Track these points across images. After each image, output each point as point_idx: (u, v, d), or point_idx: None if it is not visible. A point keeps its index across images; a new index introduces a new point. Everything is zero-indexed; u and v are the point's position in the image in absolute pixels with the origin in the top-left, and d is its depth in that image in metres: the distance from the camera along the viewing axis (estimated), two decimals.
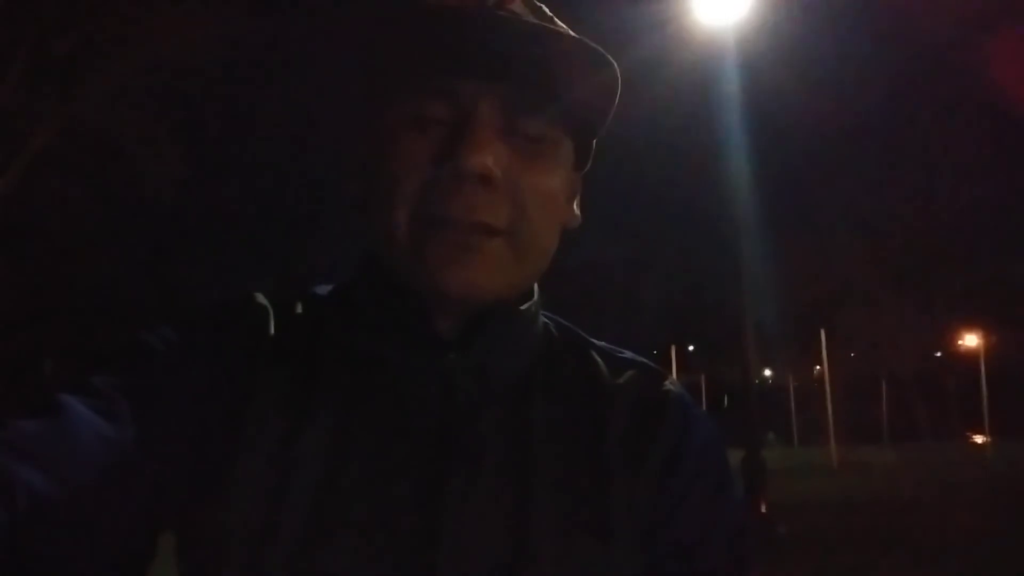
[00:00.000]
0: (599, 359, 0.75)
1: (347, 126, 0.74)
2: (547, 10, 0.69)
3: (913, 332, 22.01)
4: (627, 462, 0.69)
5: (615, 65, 0.65)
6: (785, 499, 9.61)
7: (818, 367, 23.47)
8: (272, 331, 0.69)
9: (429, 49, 0.63)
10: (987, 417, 20.77)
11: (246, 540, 0.61)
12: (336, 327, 0.70)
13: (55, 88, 10.86)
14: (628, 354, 0.77)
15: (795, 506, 9.46)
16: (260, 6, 11.11)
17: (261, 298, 0.72)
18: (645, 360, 0.77)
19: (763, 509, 7.99)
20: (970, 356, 24.14)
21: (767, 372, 34.74)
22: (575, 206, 0.75)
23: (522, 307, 0.70)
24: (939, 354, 28.15)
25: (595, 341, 0.78)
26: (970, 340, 24.85)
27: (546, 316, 0.77)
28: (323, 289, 0.76)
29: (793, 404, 26.87)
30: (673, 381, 0.76)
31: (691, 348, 35.93)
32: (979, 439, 21.07)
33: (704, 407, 1.32)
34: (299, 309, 0.73)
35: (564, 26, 0.68)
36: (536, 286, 0.73)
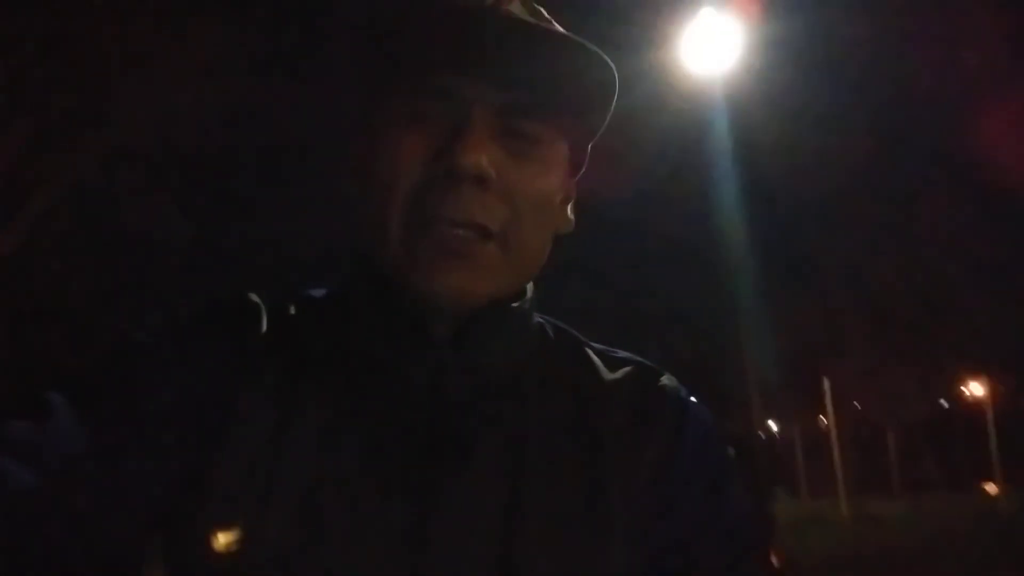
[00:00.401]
0: (594, 357, 0.74)
1: (343, 125, 0.73)
2: (545, 12, 0.69)
3: (918, 380, 21.90)
4: (623, 457, 0.67)
5: (612, 67, 0.65)
6: (798, 555, 9.40)
7: (822, 416, 23.33)
8: (264, 329, 0.69)
9: (426, 48, 0.63)
10: (998, 466, 20.59)
11: (234, 537, 0.60)
12: (328, 325, 0.70)
13: (56, 148, 10.99)
14: (624, 353, 0.77)
15: (811, 568, 9.27)
16: (263, 68, 11.31)
17: (254, 297, 0.72)
18: (641, 359, 0.76)
19: (776, 563, 7.83)
20: (977, 404, 24.05)
21: (772, 424, 34.48)
22: (569, 210, 0.75)
23: (514, 304, 0.69)
24: (945, 403, 28.00)
25: (590, 342, 0.77)
26: (976, 389, 24.78)
27: (541, 317, 0.76)
28: (317, 291, 0.76)
29: (800, 455, 26.65)
30: (670, 376, 0.75)
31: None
32: (991, 488, 20.78)
33: None
34: (292, 310, 0.72)
35: (561, 28, 0.68)
36: (531, 284, 0.72)
